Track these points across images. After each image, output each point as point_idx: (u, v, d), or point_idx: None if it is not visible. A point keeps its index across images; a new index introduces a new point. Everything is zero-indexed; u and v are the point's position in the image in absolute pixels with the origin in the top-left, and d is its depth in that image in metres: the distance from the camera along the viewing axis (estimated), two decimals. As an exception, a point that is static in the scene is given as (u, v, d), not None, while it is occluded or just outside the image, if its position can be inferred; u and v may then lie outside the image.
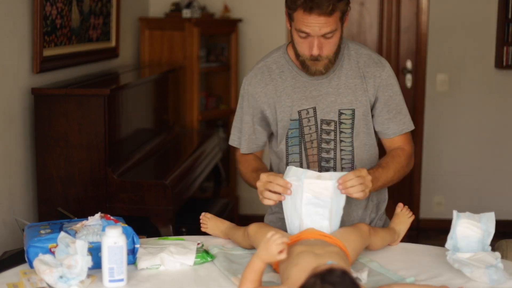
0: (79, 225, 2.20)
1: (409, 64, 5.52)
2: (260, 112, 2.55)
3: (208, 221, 2.48)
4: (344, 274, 1.64)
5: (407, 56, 5.54)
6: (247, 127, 2.59)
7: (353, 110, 2.47)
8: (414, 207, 5.60)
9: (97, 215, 2.23)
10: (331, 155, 2.49)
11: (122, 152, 3.80)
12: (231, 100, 5.49)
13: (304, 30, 2.32)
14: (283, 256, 1.89)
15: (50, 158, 3.52)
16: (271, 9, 5.52)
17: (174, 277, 2.11)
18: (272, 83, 2.53)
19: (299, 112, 2.49)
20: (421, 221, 5.64)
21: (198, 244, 2.30)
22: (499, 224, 2.28)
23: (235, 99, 5.49)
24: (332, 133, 2.48)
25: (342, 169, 2.51)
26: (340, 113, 2.47)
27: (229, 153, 5.50)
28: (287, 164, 2.53)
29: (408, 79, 5.50)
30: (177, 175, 3.79)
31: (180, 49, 5.13)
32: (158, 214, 3.59)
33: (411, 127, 2.55)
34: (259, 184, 2.27)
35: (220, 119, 5.59)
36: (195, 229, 2.80)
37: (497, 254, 2.11)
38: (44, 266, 1.95)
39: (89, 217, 2.23)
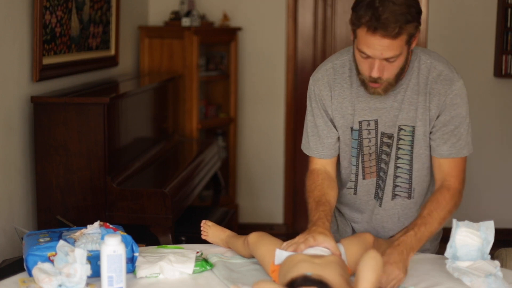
0: (78, 233, 2.20)
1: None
2: (328, 114, 2.45)
3: (208, 229, 2.47)
4: (314, 282, 1.65)
5: (406, 65, 5.54)
6: (323, 129, 2.47)
7: (413, 128, 2.36)
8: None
9: (96, 224, 2.23)
10: (386, 168, 2.42)
11: (122, 160, 3.80)
12: (231, 108, 5.49)
13: (365, 51, 2.18)
14: None
15: (50, 166, 3.52)
16: (270, 17, 5.53)
17: (173, 286, 2.10)
18: (337, 87, 2.42)
19: (360, 123, 2.40)
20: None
21: (197, 252, 2.30)
22: (499, 232, 2.28)
23: (235, 107, 5.49)
24: (390, 148, 2.40)
25: (395, 186, 2.44)
26: (400, 129, 2.37)
27: (229, 161, 5.51)
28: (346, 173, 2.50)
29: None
30: (176, 184, 3.79)
31: (180, 57, 5.14)
32: (157, 223, 3.59)
33: (463, 153, 2.45)
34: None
35: (220, 127, 5.59)
36: (194, 238, 2.80)
37: (497, 262, 2.11)
38: (43, 274, 1.95)
39: (88, 226, 2.23)
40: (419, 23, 2.23)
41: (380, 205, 2.49)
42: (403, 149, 2.39)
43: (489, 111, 5.51)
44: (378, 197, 2.48)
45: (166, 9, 5.51)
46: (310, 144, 2.50)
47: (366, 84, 2.28)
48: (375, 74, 2.21)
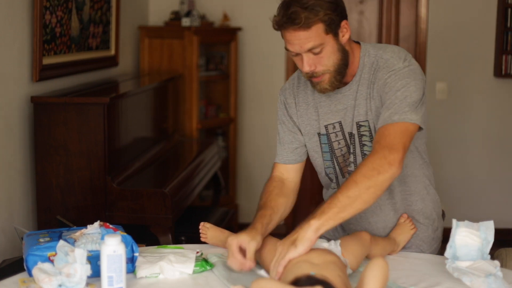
0: (78, 233, 2.20)
1: (408, 73, 5.51)
2: (294, 122, 2.47)
3: (207, 231, 2.45)
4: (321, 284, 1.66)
5: (406, 65, 5.53)
6: (285, 135, 2.49)
7: (368, 122, 2.35)
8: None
9: (96, 224, 2.23)
10: (352, 168, 2.41)
11: (122, 160, 3.80)
12: (231, 108, 5.49)
13: (289, 48, 2.24)
14: None
15: (50, 166, 3.52)
16: (270, 17, 5.52)
17: (173, 286, 2.10)
18: (301, 94, 2.46)
19: (326, 127, 2.42)
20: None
21: (197, 252, 2.30)
22: (498, 232, 2.28)
23: (235, 107, 5.50)
24: (352, 147, 2.40)
25: None
26: (359, 125, 2.37)
27: (229, 161, 5.51)
28: (325, 175, 2.50)
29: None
30: (176, 184, 3.79)
31: (180, 57, 5.14)
32: (157, 223, 3.59)
33: (394, 119, 2.19)
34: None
35: (220, 127, 5.59)
36: (194, 238, 2.80)
37: (497, 262, 2.11)
38: (43, 274, 1.95)
39: (88, 226, 2.23)
40: (336, 12, 2.22)
41: None
42: (367, 145, 2.37)
43: (489, 111, 5.51)
44: None
45: (166, 9, 5.51)
46: (277, 151, 2.53)
47: (311, 83, 2.32)
48: (306, 68, 2.25)
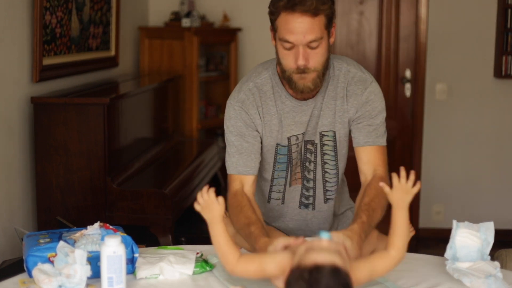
0: (78, 234, 2.20)
1: (408, 73, 5.52)
2: (258, 132, 2.42)
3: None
4: (334, 272, 1.64)
5: (406, 65, 5.54)
6: (246, 146, 2.40)
7: (334, 132, 2.41)
8: (413, 216, 5.60)
9: (96, 224, 2.23)
10: (311, 176, 2.47)
11: (122, 160, 3.80)
12: (231, 109, 5.48)
13: (288, 38, 2.21)
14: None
15: (50, 166, 3.53)
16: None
17: (173, 287, 2.10)
18: (265, 106, 2.40)
19: (289, 138, 2.42)
20: (420, 230, 5.63)
21: (198, 253, 2.30)
22: (498, 233, 2.28)
23: (235, 108, 5.48)
24: (313, 155, 2.45)
25: (326, 191, 2.50)
26: (322, 135, 2.41)
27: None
28: (270, 186, 2.50)
29: (407, 88, 5.51)
30: (176, 184, 3.79)
31: (180, 58, 5.14)
32: (157, 223, 3.59)
33: (380, 142, 2.41)
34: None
35: (220, 128, 5.58)
36: (195, 239, 2.80)
37: (497, 263, 2.11)
38: (43, 275, 1.95)
39: (88, 226, 2.23)
40: (333, 10, 2.25)
41: (313, 209, 2.53)
42: (328, 154, 2.44)
43: (489, 112, 5.51)
44: (309, 202, 2.52)
45: (166, 9, 5.51)
46: (231, 162, 2.42)
47: (294, 80, 2.28)
48: (301, 61, 2.22)
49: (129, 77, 4.86)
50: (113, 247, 1.95)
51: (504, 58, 5.34)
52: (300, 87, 2.29)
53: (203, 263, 2.23)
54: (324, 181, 2.49)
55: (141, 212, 3.58)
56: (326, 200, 2.53)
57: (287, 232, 2.58)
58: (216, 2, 5.53)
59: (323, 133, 2.41)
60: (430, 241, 5.52)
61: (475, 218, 2.38)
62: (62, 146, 3.52)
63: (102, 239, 2.11)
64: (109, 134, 3.58)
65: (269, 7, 2.30)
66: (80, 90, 3.90)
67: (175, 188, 3.73)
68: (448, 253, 2.15)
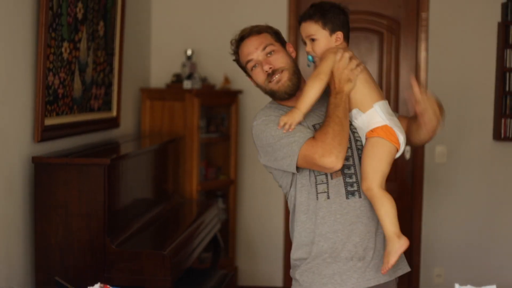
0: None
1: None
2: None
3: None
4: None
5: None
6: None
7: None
8: (414, 279, 5.56)
9: (97, 285, 2.21)
10: (350, 162, 2.55)
11: (122, 221, 3.79)
12: (231, 170, 5.50)
13: (248, 58, 2.62)
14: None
15: (49, 226, 3.51)
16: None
17: None
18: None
19: (314, 126, 2.59)
20: (422, 293, 5.59)
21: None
22: (501, 296, 2.26)
23: (235, 169, 5.50)
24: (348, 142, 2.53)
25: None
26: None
27: (229, 223, 5.49)
28: (315, 177, 2.56)
29: (407, 151, 5.52)
30: (175, 245, 3.77)
31: (181, 119, 5.17)
32: (156, 285, 3.55)
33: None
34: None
35: (220, 189, 5.58)
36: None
37: (499, 326, 2.09)
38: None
39: (89, 287, 2.21)
40: (276, 31, 2.69)
41: (360, 196, 2.55)
42: (359, 140, 2.58)
43: (489, 174, 5.51)
44: (354, 189, 2.55)
45: (168, 71, 5.56)
46: (294, 140, 2.52)
47: (274, 90, 2.62)
48: (266, 67, 2.59)
49: (130, 138, 4.88)
50: (112, 307, 1.94)
51: (503, 120, 5.37)
52: (282, 90, 2.62)
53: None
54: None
55: (140, 273, 3.55)
56: None
57: (338, 240, 2.57)
58: (217, 64, 5.58)
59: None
60: (432, 304, 5.47)
61: (476, 281, 2.36)
62: (62, 206, 3.51)
63: (101, 299, 2.09)
64: (110, 195, 3.58)
65: (234, 59, 2.74)
66: (81, 150, 3.91)
67: (175, 249, 3.71)
68: (450, 315, 2.13)
